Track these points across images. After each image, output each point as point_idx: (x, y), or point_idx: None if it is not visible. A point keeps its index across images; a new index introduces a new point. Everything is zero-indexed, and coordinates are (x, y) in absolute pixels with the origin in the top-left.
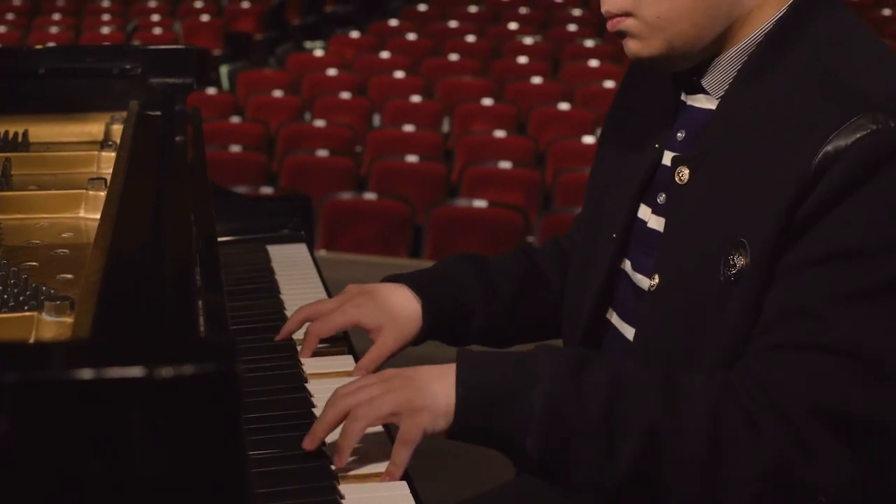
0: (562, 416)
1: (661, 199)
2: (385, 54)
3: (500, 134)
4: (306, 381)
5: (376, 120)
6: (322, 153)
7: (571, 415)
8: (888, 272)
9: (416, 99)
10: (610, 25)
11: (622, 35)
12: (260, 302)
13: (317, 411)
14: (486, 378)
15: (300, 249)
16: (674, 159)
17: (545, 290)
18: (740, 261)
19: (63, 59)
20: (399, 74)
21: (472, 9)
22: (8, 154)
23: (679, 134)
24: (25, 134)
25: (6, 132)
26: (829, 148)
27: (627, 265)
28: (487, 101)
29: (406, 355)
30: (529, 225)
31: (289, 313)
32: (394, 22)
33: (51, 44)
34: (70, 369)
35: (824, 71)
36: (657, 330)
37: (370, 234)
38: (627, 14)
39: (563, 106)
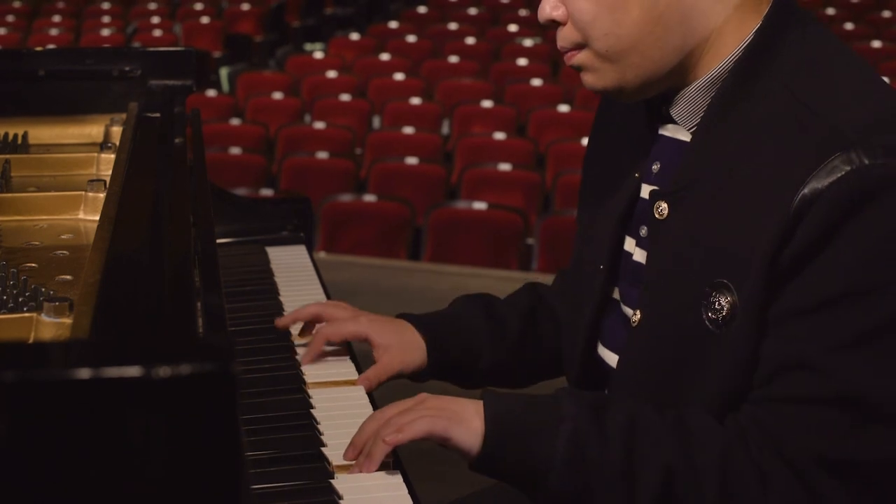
0: (585, 453)
1: (644, 231)
2: (385, 56)
3: (499, 136)
4: (305, 384)
5: (376, 122)
6: (322, 155)
7: (594, 454)
8: (878, 314)
9: (415, 101)
10: (566, 59)
11: (578, 69)
12: (259, 303)
13: (315, 412)
14: (513, 413)
15: (299, 251)
16: (652, 193)
17: (554, 328)
18: (725, 303)
19: (63, 62)
20: (399, 76)
21: (472, 11)
22: (7, 156)
23: (654, 166)
24: (25, 136)
25: (6, 134)
26: (805, 191)
27: (616, 296)
28: (487, 104)
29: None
30: (529, 227)
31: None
32: (394, 24)
33: (51, 46)
34: (68, 369)
35: (797, 103)
36: (639, 364)
37: (370, 236)
38: (580, 47)
39: (563, 108)
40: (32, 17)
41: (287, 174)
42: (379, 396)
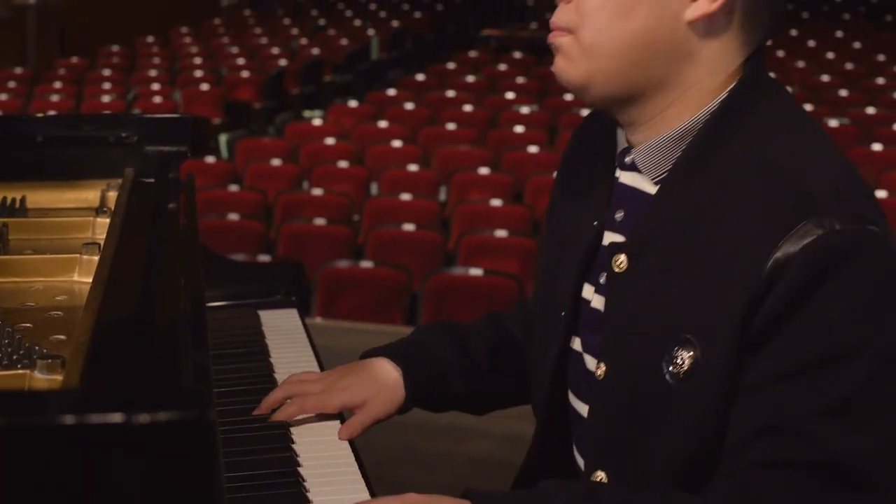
0: None
1: (603, 279)
2: (383, 123)
3: (496, 202)
4: (293, 442)
5: (374, 188)
6: (319, 221)
7: None
8: (855, 377)
9: (413, 168)
10: (550, 37)
11: (556, 50)
12: (249, 365)
13: (302, 470)
14: None
15: (291, 315)
16: (611, 245)
17: (517, 354)
18: (687, 358)
19: (61, 128)
20: (397, 143)
21: (470, 78)
22: (6, 219)
23: (617, 214)
24: (23, 200)
25: (4, 198)
26: (778, 255)
27: (578, 343)
28: (484, 170)
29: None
30: (524, 293)
31: (278, 376)
32: (392, 91)
33: (52, 112)
34: (54, 415)
35: (767, 167)
36: (607, 419)
37: (367, 302)
38: (570, 31)
39: None
40: (34, 84)
41: (285, 240)
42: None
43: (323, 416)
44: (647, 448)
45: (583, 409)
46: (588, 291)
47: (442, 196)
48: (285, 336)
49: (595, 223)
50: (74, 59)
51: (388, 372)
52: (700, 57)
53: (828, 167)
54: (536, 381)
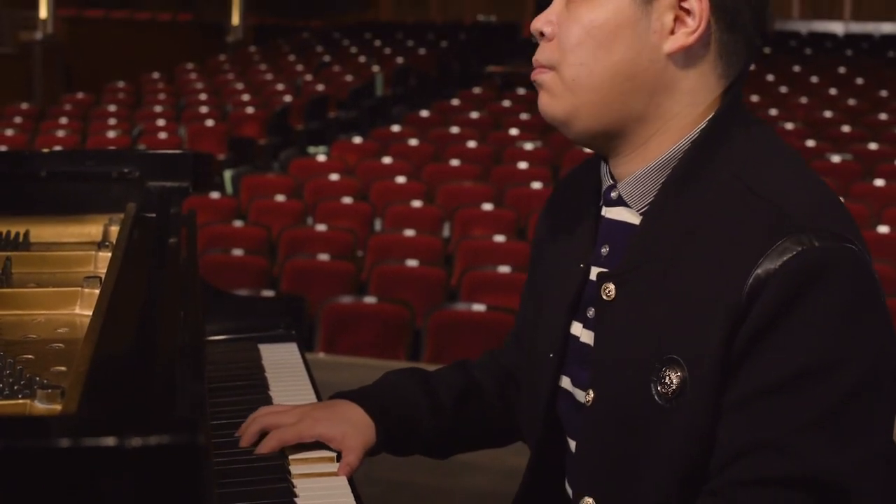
0: None
1: (591, 313)
2: (387, 159)
3: (499, 238)
4: (289, 474)
5: (377, 224)
6: (323, 257)
7: None
8: (835, 392)
9: (417, 204)
10: (532, 74)
11: (539, 87)
12: (248, 397)
13: (299, 501)
14: None
15: (291, 348)
16: (599, 275)
17: (483, 402)
18: (675, 378)
19: (64, 163)
20: (401, 179)
21: (474, 115)
22: (9, 253)
23: (603, 249)
24: (27, 234)
25: (8, 232)
26: (759, 271)
27: (567, 382)
28: (488, 206)
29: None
30: None
31: None
32: (396, 128)
33: (57, 147)
34: (49, 438)
35: (747, 190)
36: (595, 444)
37: (370, 338)
38: (552, 68)
39: None
40: (40, 119)
41: (288, 276)
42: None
43: (318, 446)
44: (635, 471)
45: (573, 444)
46: (576, 328)
47: (445, 232)
48: (285, 369)
49: (581, 265)
50: (80, 95)
51: (360, 415)
52: (680, 88)
53: (806, 190)
54: (527, 421)
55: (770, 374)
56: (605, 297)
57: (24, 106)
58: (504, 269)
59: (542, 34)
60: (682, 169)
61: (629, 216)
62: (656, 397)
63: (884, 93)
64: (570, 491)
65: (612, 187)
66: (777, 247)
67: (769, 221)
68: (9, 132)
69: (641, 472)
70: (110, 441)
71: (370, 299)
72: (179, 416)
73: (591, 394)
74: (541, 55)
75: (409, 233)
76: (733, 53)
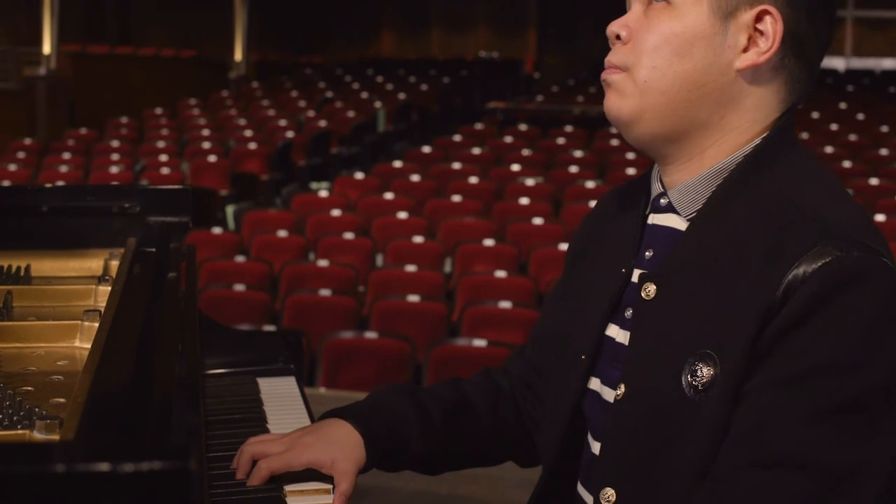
0: None
1: (629, 313)
2: (389, 195)
3: (500, 274)
4: None
5: (379, 260)
6: (325, 293)
7: None
8: (849, 389)
9: (418, 239)
10: (604, 74)
11: (608, 86)
12: (246, 430)
13: None
14: None
15: (289, 382)
16: (641, 276)
17: (473, 419)
18: (707, 372)
19: (65, 198)
20: (402, 215)
21: (476, 151)
22: (10, 287)
23: (647, 253)
24: (28, 268)
25: (10, 266)
26: (796, 272)
27: (595, 383)
28: (489, 242)
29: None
30: None
31: None
32: (398, 163)
33: (60, 182)
34: (44, 464)
35: (790, 203)
36: (622, 437)
37: (371, 373)
38: (624, 69)
39: (564, 246)
40: (43, 154)
41: (290, 311)
42: None
43: (313, 473)
44: (660, 463)
45: (595, 446)
46: (612, 330)
47: (447, 267)
48: (283, 402)
49: (623, 269)
50: (83, 131)
51: (349, 433)
52: (744, 104)
53: (845, 209)
54: (549, 423)
55: (788, 367)
56: (644, 296)
57: (28, 141)
58: (505, 304)
59: (617, 37)
60: (733, 180)
61: (677, 222)
62: (686, 389)
63: (885, 128)
64: (585, 493)
65: (663, 195)
66: (816, 251)
67: (810, 230)
68: (12, 167)
69: (665, 464)
70: (104, 467)
71: (371, 334)
72: (171, 443)
73: (623, 388)
74: (614, 56)
75: (411, 268)
76: (796, 80)
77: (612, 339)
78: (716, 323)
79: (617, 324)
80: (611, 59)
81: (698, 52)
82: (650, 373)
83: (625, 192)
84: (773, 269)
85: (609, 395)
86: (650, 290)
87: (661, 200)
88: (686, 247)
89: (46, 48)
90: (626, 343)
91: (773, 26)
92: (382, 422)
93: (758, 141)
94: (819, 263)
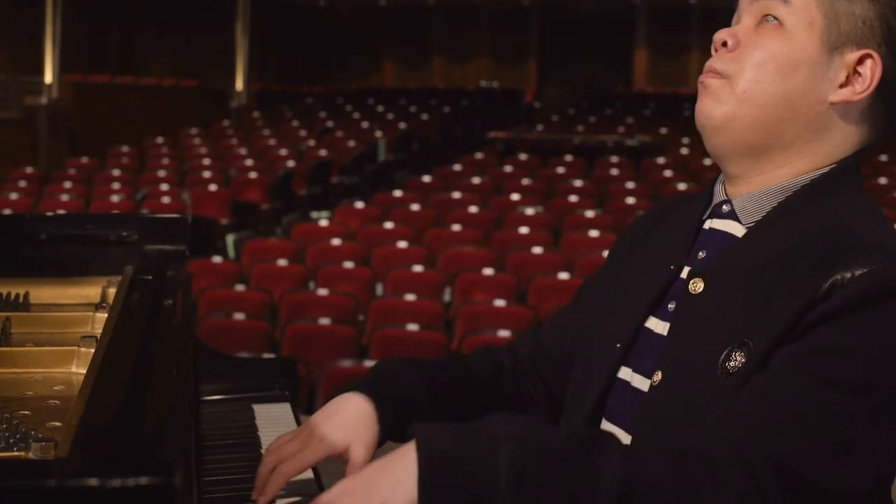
0: (530, 472)
1: (671, 306)
2: (389, 224)
3: (500, 303)
4: None
5: (379, 289)
6: (324, 321)
7: (541, 470)
8: (872, 379)
9: (418, 269)
10: (702, 77)
11: (704, 89)
12: (241, 455)
13: None
14: (445, 449)
15: (284, 408)
16: (690, 272)
17: (477, 392)
18: (741, 358)
19: (64, 226)
20: (402, 244)
21: (476, 180)
22: (9, 313)
23: (700, 254)
24: (27, 295)
25: (9, 293)
26: (843, 274)
27: (626, 372)
28: (488, 271)
29: None
30: None
31: None
32: (398, 193)
33: (61, 211)
34: (36, 479)
35: (843, 228)
36: (654, 422)
37: None
38: (724, 76)
39: (563, 275)
40: (44, 183)
41: (290, 340)
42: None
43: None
44: None
45: (619, 432)
46: (652, 322)
47: (446, 296)
48: (277, 428)
49: (672, 266)
50: (84, 160)
51: (363, 410)
52: (828, 135)
53: (892, 236)
54: (572, 411)
55: (816, 342)
56: (691, 290)
57: (29, 170)
58: (504, 333)
59: (724, 44)
60: (798, 198)
61: (736, 229)
62: (721, 375)
63: (884, 157)
64: None
65: (727, 202)
66: (860, 260)
67: (857, 244)
68: (13, 196)
69: None
70: (93, 482)
71: (371, 363)
72: (158, 459)
73: (659, 375)
74: (717, 62)
75: (410, 297)
76: (879, 125)
77: (650, 330)
78: (757, 316)
79: (657, 316)
80: (713, 64)
81: (800, 76)
82: (687, 361)
83: (681, 200)
84: (818, 272)
85: (640, 383)
86: (698, 285)
87: (724, 207)
88: (741, 251)
89: (48, 77)
90: (665, 333)
91: (872, 70)
92: (394, 392)
93: (826, 170)
94: (863, 270)
